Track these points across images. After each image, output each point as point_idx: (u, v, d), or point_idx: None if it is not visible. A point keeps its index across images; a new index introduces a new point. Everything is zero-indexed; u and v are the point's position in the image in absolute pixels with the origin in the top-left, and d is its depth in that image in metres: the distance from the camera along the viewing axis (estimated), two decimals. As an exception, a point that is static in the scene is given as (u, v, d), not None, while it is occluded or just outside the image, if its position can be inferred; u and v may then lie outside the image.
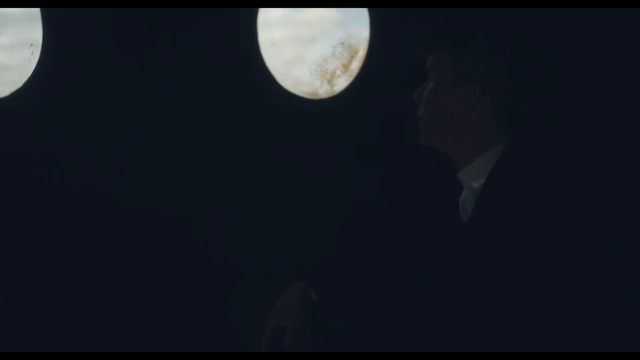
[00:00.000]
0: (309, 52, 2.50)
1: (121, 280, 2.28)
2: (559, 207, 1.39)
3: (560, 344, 1.36)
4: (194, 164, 2.34)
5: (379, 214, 2.44)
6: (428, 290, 1.51)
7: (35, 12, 2.22)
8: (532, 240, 1.38)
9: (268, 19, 2.38)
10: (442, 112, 1.57)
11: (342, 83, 2.47)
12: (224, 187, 2.37)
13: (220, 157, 2.35)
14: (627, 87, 2.28)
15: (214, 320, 2.35)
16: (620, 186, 2.17)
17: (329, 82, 2.48)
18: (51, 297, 2.24)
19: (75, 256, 2.25)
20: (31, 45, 2.24)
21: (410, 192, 2.43)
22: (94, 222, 2.27)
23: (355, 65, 2.46)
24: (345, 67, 2.48)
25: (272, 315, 1.67)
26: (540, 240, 1.37)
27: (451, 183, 1.65)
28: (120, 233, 2.28)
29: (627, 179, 2.21)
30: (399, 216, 2.42)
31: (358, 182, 2.43)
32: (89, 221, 2.26)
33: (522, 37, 1.59)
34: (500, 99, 1.54)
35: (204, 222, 2.36)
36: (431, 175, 2.31)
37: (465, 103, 1.54)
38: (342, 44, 2.48)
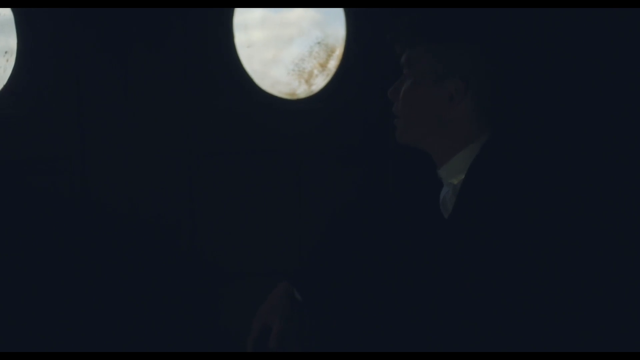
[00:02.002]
0: (286, 52, 2.50)
1: (112, 282, 2.28)
2: (539, 200, 1.39)
3: (547, 342, 1.36)
4: (175, 166, 2.33)
5: (361, 214, 2.44)
6: (413, 289, 1.51)
7: (9, 19, 2.21)
8: (513, 234, 1.38)
9: (245, 20, 2.38)
10: (421, 109, 1.56)
11: (320, 82, 2.47)
12: (207, 189, 2.36)
13: (200, 159, 2.35)
14: (611, 84, 2.30)
15: (205, 322, 2.36)
16: (602, 180, 2.18)
17: (307, 81, 2.48)
18: (46, 297, 2.23)
19: (67, 257, 2.25)
20: (6, 52, 2.22)
21: (391, 190, 2.44)
22: (82, 227, 2.26)
23: (333, 64, 2.46)
24: (323, 66, 2.48)
25: (257, 316, 1.67)
26: (522, 234, 1.37)
27: (432, 180, 1.65)
28: (108, 236, 2.28)
29: (608, 173, 2.22)
30: (381, 215, 2.42)
31: (340, 181, 2.44)
32: (76, 226, 2.26)
33: (504, 30, 1.59)
34: (482, 93, 1.53)
35: (190, 224, 2.36)
36: (412, 173, 2.32)
37: (447, 99, 1.53)
38: (318, 43, 2.48)
